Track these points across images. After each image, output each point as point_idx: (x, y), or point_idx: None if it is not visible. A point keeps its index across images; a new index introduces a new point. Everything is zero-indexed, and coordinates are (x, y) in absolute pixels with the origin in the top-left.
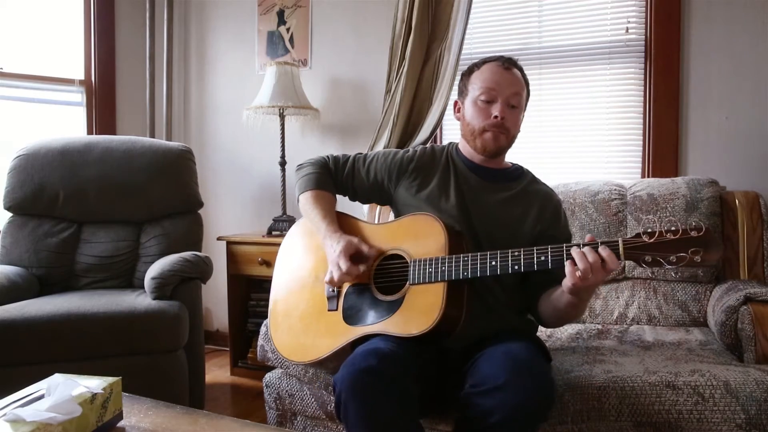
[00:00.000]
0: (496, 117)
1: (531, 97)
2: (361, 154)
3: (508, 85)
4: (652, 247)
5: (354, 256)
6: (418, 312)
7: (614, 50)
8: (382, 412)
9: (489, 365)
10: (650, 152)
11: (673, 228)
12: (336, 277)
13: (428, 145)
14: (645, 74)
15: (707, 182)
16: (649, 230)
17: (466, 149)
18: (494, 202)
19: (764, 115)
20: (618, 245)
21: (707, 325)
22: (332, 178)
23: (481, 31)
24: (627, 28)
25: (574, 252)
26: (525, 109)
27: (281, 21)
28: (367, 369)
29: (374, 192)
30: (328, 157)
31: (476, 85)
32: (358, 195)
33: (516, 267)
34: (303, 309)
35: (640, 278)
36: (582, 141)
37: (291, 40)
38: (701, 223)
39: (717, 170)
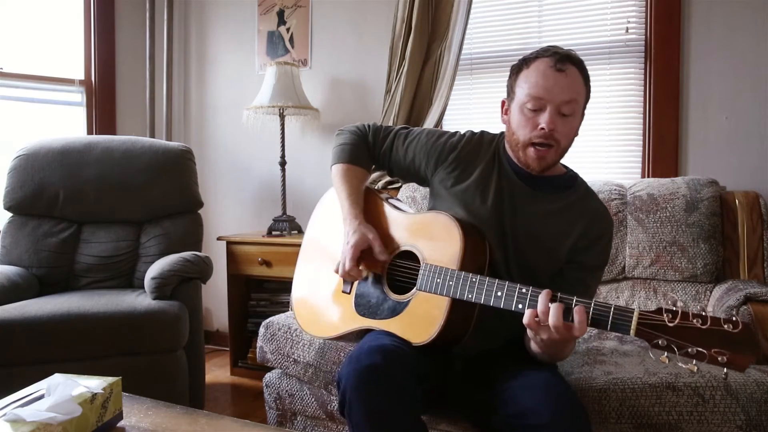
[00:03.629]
0: (542, 129)
1: None
2: (404, 129)
3: (560, 91)
4: (671, 332)
5: (365, 252)
6: (419, 322)
7: (614, 50)
8: (387, 410)
9: (530, 397)
10: (650, 152)
11: (703, 314)
12: (340, 273)
13: (477, 133)
14: (645, 74)
15: (707, 182)
16: (674, 309)
17: (512, 152)
18: (535, 214)
19: (764, 115)
20: (631, 318)
21: None
22: (369, 152)
23: (481, 31)
24: (627, 28)
25: (552, 308)
26: (583, 114)
27: (281, 21)
28: (372, 366)
29: (411, 174)
30: (368, 126)
31: (524, 89)
32: (394, 173)
33: (520, 306)
34: (322, 282)
35: (641, 278)
36: (582, 141)
37: (291, 40)
38: (739, 319)
39: (717, 170)
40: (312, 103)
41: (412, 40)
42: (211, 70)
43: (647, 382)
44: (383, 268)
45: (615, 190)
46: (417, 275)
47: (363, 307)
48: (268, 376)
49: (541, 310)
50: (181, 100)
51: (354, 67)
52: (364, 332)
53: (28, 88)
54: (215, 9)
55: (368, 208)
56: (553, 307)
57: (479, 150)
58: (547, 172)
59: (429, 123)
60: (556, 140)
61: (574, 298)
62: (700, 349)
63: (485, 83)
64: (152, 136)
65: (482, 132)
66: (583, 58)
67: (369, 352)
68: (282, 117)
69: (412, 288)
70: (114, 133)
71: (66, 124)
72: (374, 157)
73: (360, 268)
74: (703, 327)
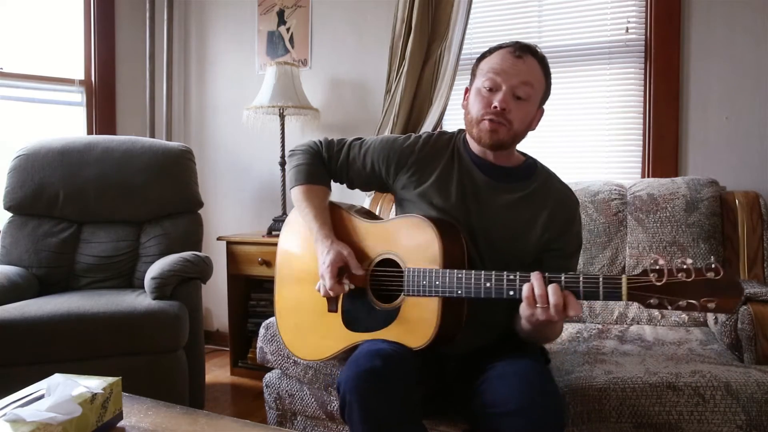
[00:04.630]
0: (495, 107)
1: None
2: (358, 139)
3: (515, 73)
4: (660, 290)
5: (343, 268)
6: (414, 326)
7: (614, 50)
8: (387, 414)
9: (501, 386)
10: (650, 152)
11: (685, 267)
12: (322, 292)
13: (434, 133)
14: (645, 74)
15: (707, 182)
16: (658, 268)
17: (472, 142)
18: (499, 205)
19: (764, 115)
20: (621, 284)
21: (707, 325)
22: (325, 168)
23: (481, 31)
24: (627, 28)
25: (537, 289)
26: (540, 105)
27: (281, 21)
28: (371, 370)
29: (372, 183)
30: (320, 142)
31: (482, 71)
32: (354, 184)
33: (511, 293)
34: (306, 306)
35: None
36: (582, 141)
37: (291, 40)
38: (719, 264)
39: (717, 170)
40: (312, 103)
41: (412, 40)
42: (211, 70)
43: (647, 382)
44: (365, 280)
45: (615, 190)
46: (400, 281)
47: (354, 323)
48: (268, 376)
49: (539, 294)
50: (181, 100)
51: (354, 67)
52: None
53: (28, 88)
54: (215, 9)
55: (337, 225)
56: (551, 287)
57: (436, 150)
58: (505, 162)
59: (429, 123)
60: (509, 120)
61: (563, 275)
62: (690, 301)
63: None
64: (152, 136)
65: (439, 132)
66: (583, 58)
67: (368, 355)
68: (282, 117)
69: (398, 294)
70: (114, 133)
71: (66, 124)
72: (331, 172)
73: (343, 282)
74: (689, 280)
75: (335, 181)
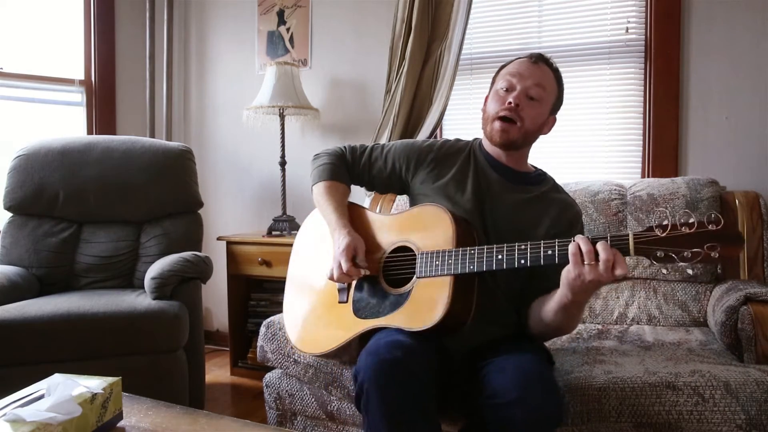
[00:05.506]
0: (510, 102)
1: None
2: (378, 144)
3: (529, 75)
4: (665, 242)
5: (356, 256)
6: (424, 306)
7: (614, 50)
8: (405, 406)
9: (501, 378)
10: (650, 152)
11: (689, 221)
12: (335, 275)
13: (451, 139)
14: (645, 74)
15: (707, 182)
16: (663, 223)
17: (488, 145)
18: (510, 202)
19: (764, 115)
20: (628, 240)
21: (707, 325)
22: (348, 169)
23: (481, 31)
24: (627, 28)
25: (584, 246)
26: (552, 110)
27: (281, 21)
28: (392, 361)
29: (392, 181)
30: (344, 147)
31: (501, 76)
32: (375, 185)
33: (522, 261)
34: (315, 300)
35: (641, 278)
36: (582, 141)
37: (291, 40)
38: (719, 215)
39: (717, 170)
40: (312, 103)
41: (412, 40)
42: (211, 70)
43: (647, 382)
44: (378, 270)
45: (615, 190)
46: (413, 267)
47: (363, 310)
48: (268, 376)
49: (586, 250)
50: (181, 100)
51: (354, 67)
52: (362, 344)
53: (28, 88)
54: (215, 9)
55: (355, 220)
56: (601, 244)
57: (455, 150)
58: (516, 165)
59: (429, 123)
60: (521, 117)
61: (589, 236)
62: (695, 250)
63: (485, 83)
64: (152, 136)
65: (456, 138)
66: (583, 58)
67: (387, 346)
68: (282, 117)
69: (411, 279)
70: (114, 133)
71: (66, 124)
72: (354, 174)
73: (359, 266)
74: (692, 231)
75: (356, 184)
